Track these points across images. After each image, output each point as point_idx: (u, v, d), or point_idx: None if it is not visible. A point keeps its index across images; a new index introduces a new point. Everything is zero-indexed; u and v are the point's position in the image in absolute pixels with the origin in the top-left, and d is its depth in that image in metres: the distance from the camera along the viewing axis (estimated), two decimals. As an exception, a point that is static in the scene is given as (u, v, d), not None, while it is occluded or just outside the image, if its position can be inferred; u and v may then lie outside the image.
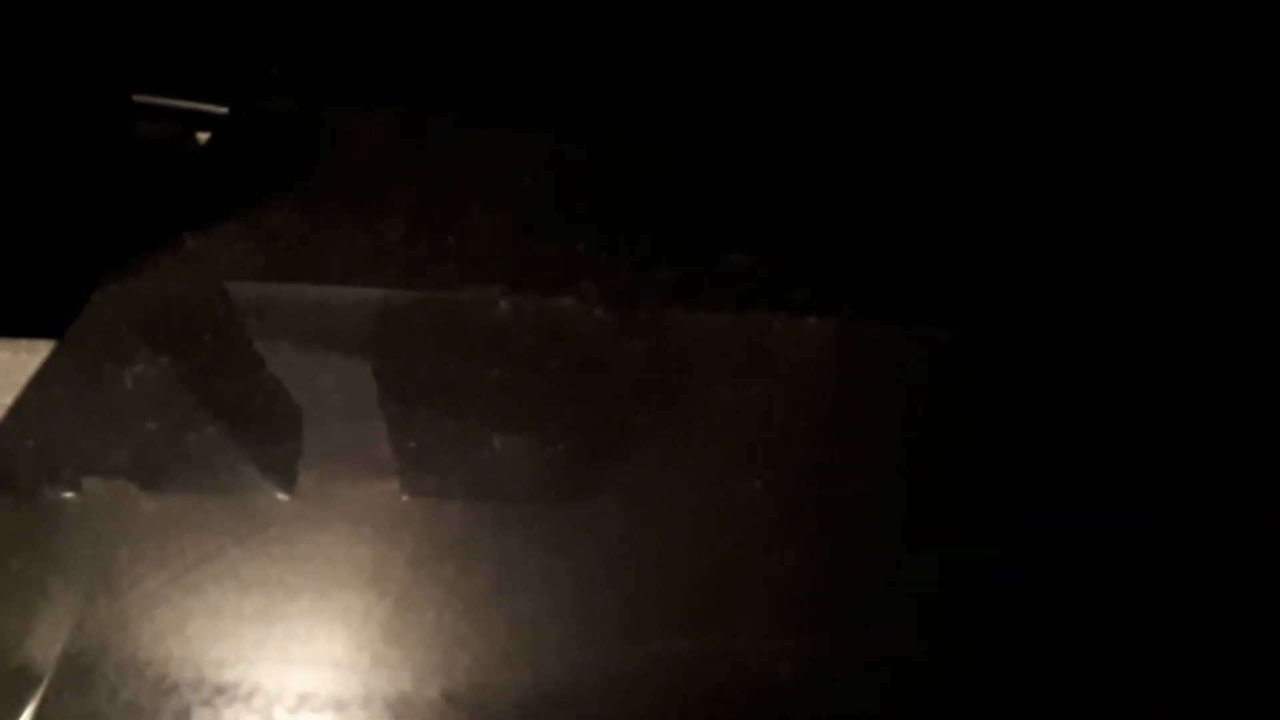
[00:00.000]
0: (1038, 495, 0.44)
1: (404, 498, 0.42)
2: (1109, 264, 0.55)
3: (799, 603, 0.39)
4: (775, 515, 0.42)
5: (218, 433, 0.44)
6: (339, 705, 0.35)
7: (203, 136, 0.66)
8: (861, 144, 0.60)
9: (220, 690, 0.35)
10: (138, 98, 0.60)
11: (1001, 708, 0.36)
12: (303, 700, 0.35)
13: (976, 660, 0.38)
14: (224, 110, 0.64)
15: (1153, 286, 0.54)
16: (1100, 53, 0.62)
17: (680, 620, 0.38)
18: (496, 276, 0.52)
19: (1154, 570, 0.41)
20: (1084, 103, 0.63)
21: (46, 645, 0.36)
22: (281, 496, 0.41)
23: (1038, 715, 0.36)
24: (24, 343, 0.50)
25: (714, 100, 0.61)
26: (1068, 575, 0.41)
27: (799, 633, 0.38)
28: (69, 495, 0.41)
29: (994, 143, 0.63)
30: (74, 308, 0.50)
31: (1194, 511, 0.44)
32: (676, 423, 0.46)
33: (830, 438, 0.46)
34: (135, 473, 0.42)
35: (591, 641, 0.37)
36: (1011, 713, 0.36)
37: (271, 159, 0.60)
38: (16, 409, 0.44)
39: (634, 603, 0.38)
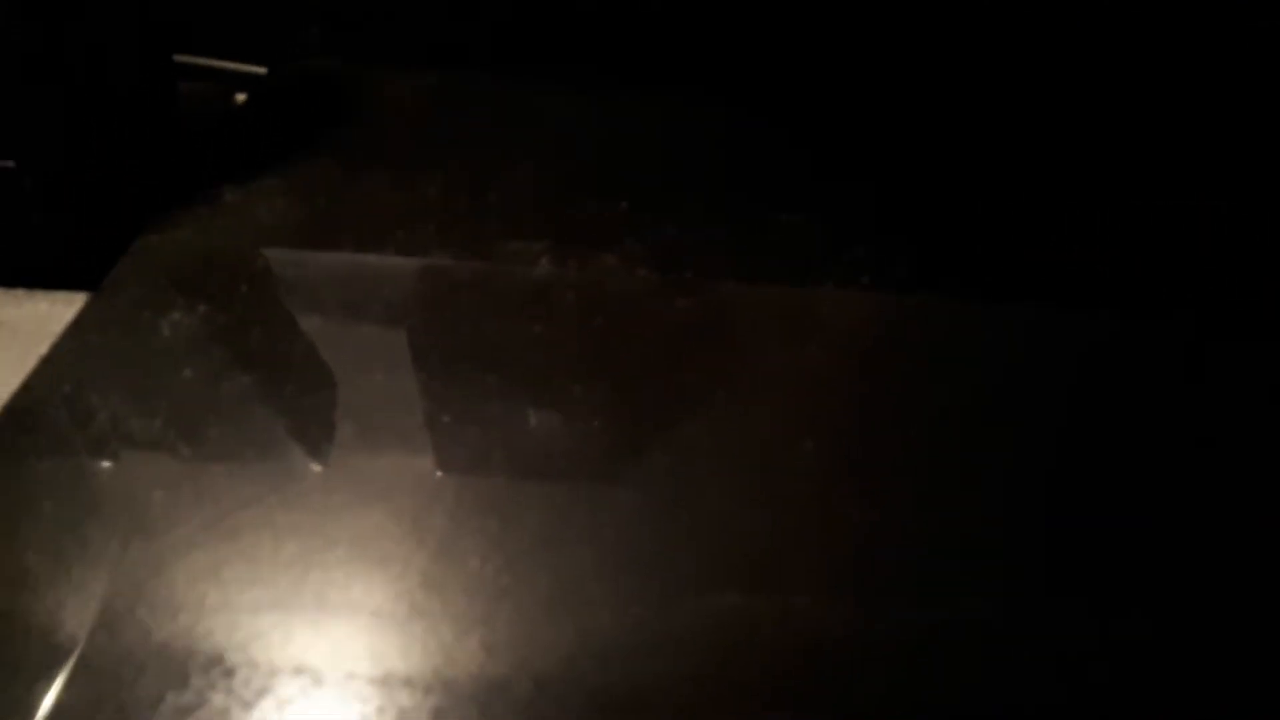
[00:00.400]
0: (1092, 464, 0.42)
1: (445, 453, 0.41)
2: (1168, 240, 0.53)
3: (851, 563, 0.38)
4: (826, 476, 0.41)
5: (254, 383, 0.43)
6: (375, 655, 0.34)
7: (241, 97, 0.65)
8: (926, 103, 0.59)
9: (257, 635, 0.34)
10: (178, 57, 0.60)
11: (1064, 677, 0.35)
12: (337, 646, 0.34)
13: (1038, 628, 0.36)
14: (262, 70, 0.64)
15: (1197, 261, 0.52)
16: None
17: (729, 578, 0.37)
18: (538, 234, 0.51)
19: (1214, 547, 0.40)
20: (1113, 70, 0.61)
21: (84, 589, 0.35)
22: (320, 447, 0.41)
23: (1096, 687, 0.35)
24: (63, 294, 0.50)
25: (766, 59, 0.60)
26: (1133, 543, 0.39)
27: (852, 593, 0.37)
28: (104, 441, 0.40)
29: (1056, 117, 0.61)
30: (113, 261, 0.49)
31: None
32: (724, 383, 0.45)
33: (883, 402, 0.45)
34: (171, 420, 0.41)
35: (637, 597, 0.36)
36: (1071, 683, 0.35)
37: (309, 117, 0.60)
38: (51, 356, 0.44)
39: (680, 559, 0.37)
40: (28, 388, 0.43)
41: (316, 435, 0.41)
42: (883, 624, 0.36)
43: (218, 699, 0.32)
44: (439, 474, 0.40)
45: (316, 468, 0.40)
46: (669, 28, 0.60)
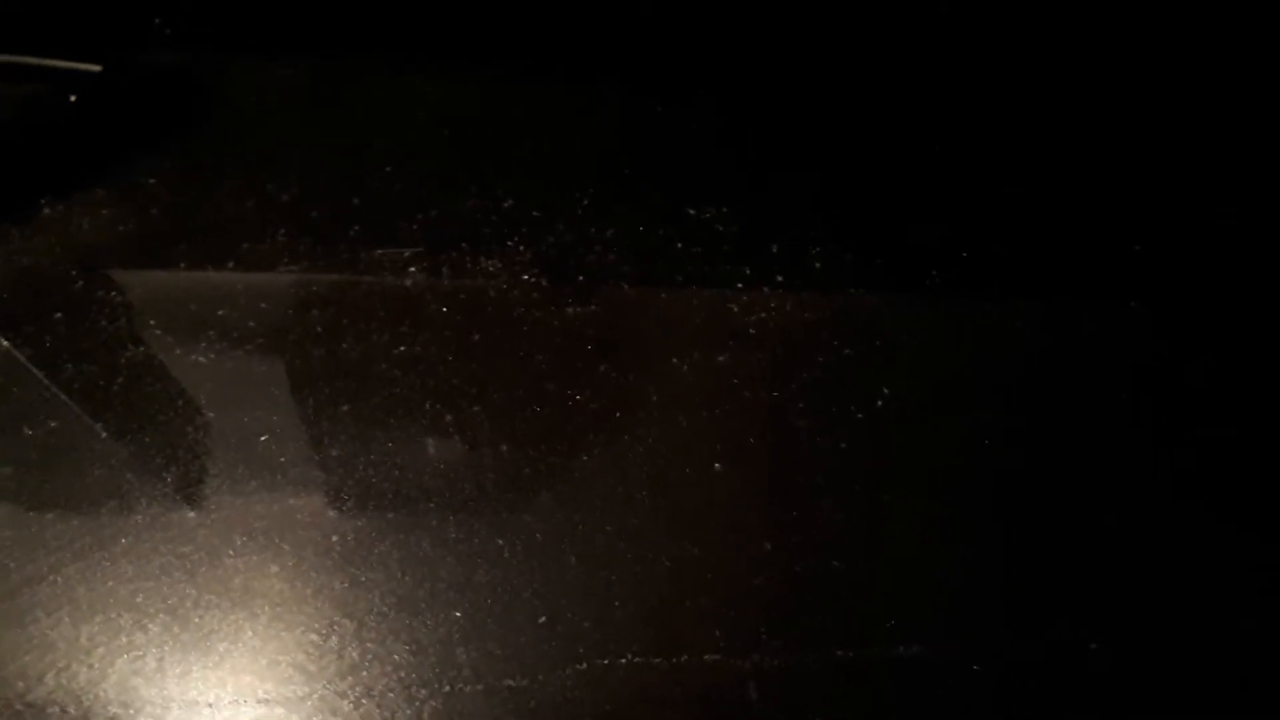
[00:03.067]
0: (1030, 476, 0.39)
1: (285, 499, 0.36)
2: (1089, 217, 0.50)
3: (763, 610, 0.34)
4: (736, 504, 0.37)
5: (63, 428, 0.38)
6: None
7: (74, 99, 0.60)
8: (839, 88, 0.55)
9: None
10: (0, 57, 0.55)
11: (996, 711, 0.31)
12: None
13: (968, 663, 0.33)
14: (97, 69, 0.58)
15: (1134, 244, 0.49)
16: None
17: (620, 637, 0.32)
18: (408, 239, 0.46)
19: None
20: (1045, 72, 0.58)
21: None
22: (135, 501, 0.36)
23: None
24: None
25: (672, 36, 0.56)
26: (1057, 570, 0.36)
27: (763, 646, 0.33)
28: None
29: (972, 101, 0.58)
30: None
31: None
32: (621, 401, 0.40)
33: (800, 415, 0.41)
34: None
35: (510, 665, 0.31)
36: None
37: (148, 118, 0.54)
38: None
39: (564, 617, 0.33)
40: None
41: (132, 488, 0.36)
42: (800, 680, 0.32)
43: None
44: (274, 527, 0.35)
45: (130, 526, 0.35)
46: (566, 5, 0.55)
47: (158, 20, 0.61)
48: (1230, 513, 0.38)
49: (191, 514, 0.35)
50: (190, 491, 0.36)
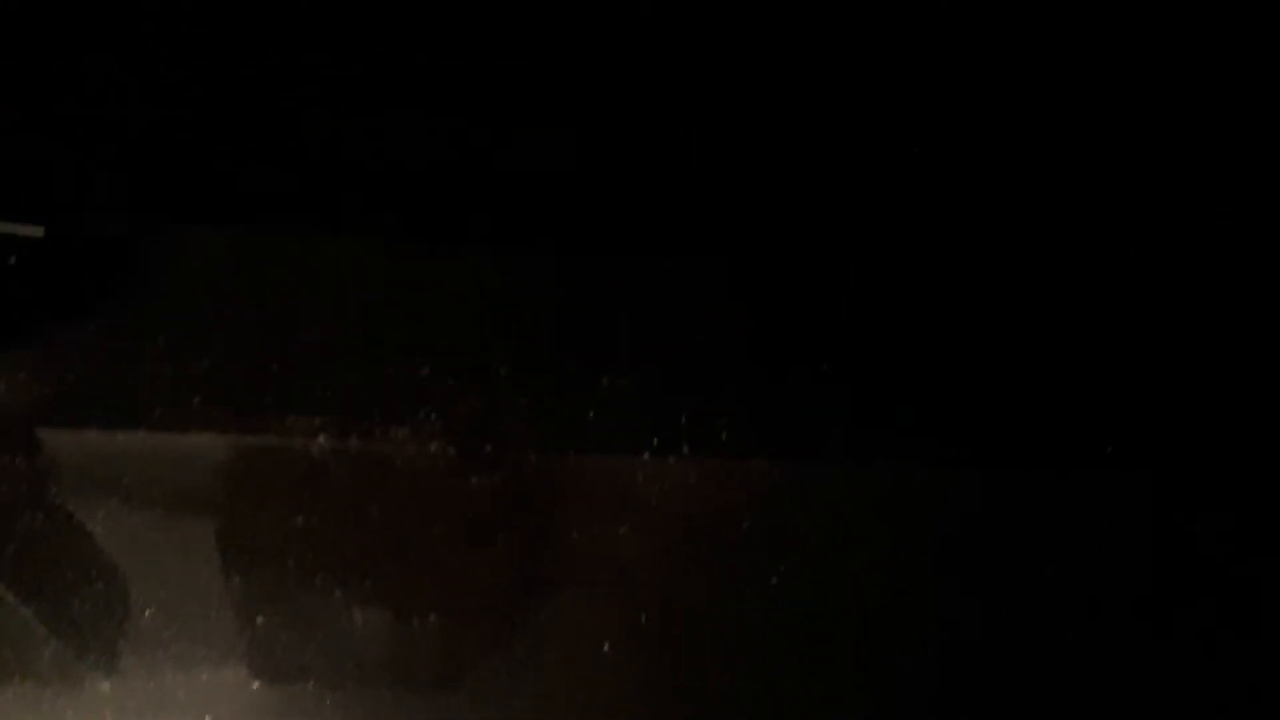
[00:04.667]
0: (930, 658, 0.39)
1: (163, 676, 0.36)
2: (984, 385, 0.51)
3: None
4: (636, 692, 0.37)
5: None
6: None
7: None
8: (752, 253, 0.57)
9: None
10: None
11: None
12: None
13: None
14: (39, 232, 0.61)
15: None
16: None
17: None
18: (321, 405, 0.48)
19: None
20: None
21: None
22: (9, 676, 0.36)
23: None
24: None
25: (587, 205, 0.58)
26: None
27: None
28: None
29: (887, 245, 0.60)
30: None
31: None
32: (515, 577, 0.41)
33: (704, 590, 0.41)
34: None
35: None
36: None
37: (83, 282, 0.56)
38: None
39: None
40: None
41: (7, 659, 0.36)
42: None
43: None
44: (152, 699, 0.35)
45: (4, 693, 0.35)
46: (485, 174, 0.58)
47: (103, 186, 0.64)
48: None
49: (60, 693, 0.35)
50: (66, 668, 0.36)
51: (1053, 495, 0.46)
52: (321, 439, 0.46)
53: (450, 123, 0.58)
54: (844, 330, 0.53)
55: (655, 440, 0.47)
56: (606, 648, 0.38)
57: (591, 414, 0.48)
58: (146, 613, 0.38)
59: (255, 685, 0.36)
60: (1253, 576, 0.43)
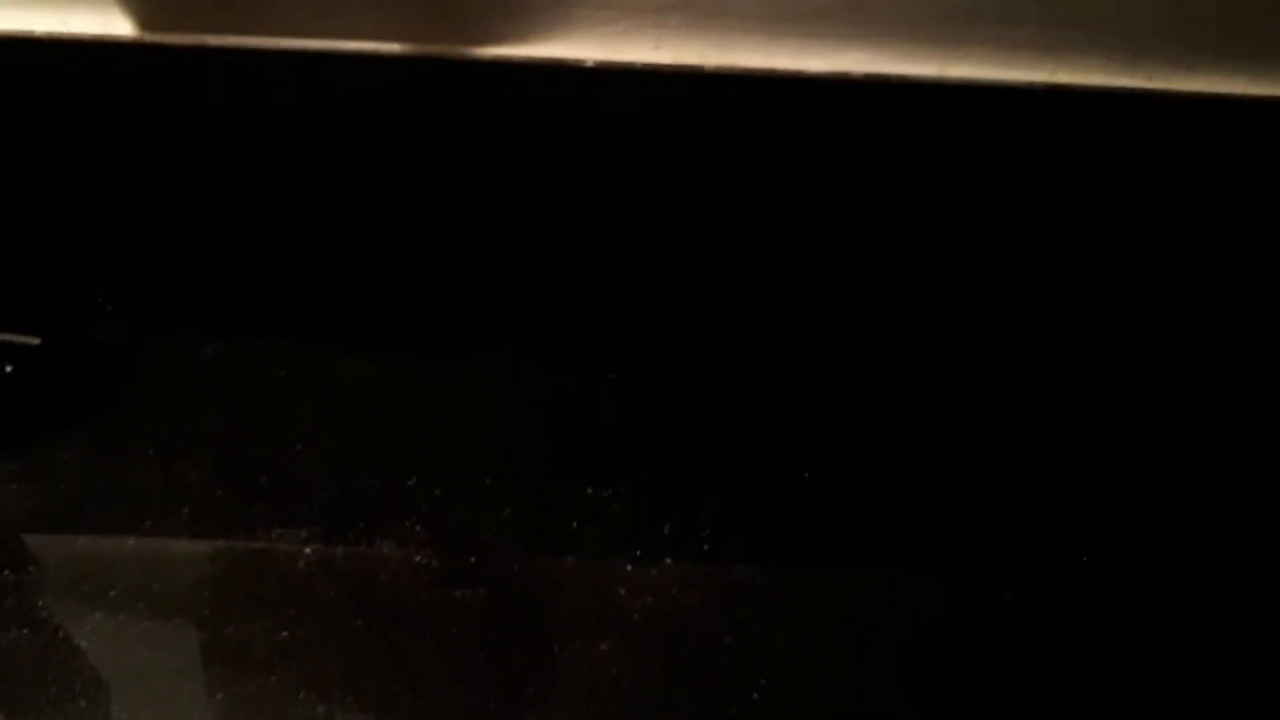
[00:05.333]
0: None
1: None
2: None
3: None
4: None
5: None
6: None
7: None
8: (737, 376, 0.58)
9: None
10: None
11: None
12: None
13: None
14: (36, 341, 0.62)
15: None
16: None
17: None
18: (308, 517, 0.49)
19: None
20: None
21: None
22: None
23: None
24: None
25: (576, 321, 0.60)
26: None
27: None
28: None
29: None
30: None
31: None
32: (495, 692, 0.42)
33: (674, 705, 0.42)
34: None
35: None
36: None
37: (76, 392, 0.58)
38: None
39: None
40: None
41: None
42: None
43: None
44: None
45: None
46: (477, 283, 0.60)
47: (100, 296, 0.65)
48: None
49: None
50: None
51: (1044, 604, 0.47)
52: (308, 550, 0.47)
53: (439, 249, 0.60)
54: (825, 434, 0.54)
55: (638, 552, 0.48)
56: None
57: (575, 524, 0.49)
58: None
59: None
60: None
